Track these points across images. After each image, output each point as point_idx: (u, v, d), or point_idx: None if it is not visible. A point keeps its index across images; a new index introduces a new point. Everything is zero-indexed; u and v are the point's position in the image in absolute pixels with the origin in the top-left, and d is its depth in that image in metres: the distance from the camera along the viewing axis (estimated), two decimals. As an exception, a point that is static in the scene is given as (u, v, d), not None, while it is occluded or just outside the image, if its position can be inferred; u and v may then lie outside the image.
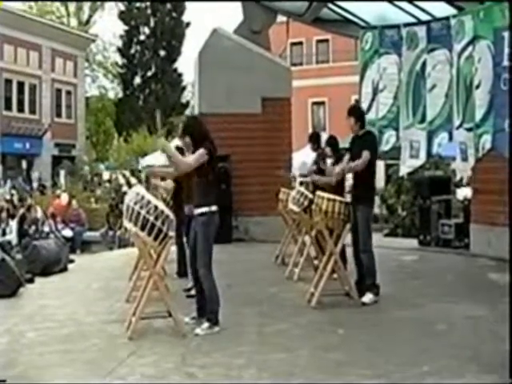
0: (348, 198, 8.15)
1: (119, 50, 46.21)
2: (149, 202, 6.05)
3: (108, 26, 52.88)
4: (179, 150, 9.83)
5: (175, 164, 6.47)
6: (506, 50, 9.67)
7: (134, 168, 28.38)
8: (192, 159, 6.34)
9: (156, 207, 6.05)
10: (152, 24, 44.89)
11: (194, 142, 6.51)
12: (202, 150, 6.33)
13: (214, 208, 6.43)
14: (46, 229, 18.36)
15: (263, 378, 5.08)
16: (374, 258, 7.70)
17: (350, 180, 8.55)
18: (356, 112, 8.05)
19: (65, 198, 22.59)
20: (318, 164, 10.05)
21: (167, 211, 6.15)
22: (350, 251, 8.19)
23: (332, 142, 9.57)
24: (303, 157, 22.66)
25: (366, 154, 7.62)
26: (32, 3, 49.07)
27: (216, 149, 6.53)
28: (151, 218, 6.00)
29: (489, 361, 5.32)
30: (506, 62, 9.71)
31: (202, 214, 6.41)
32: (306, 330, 6.56)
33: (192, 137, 6.54)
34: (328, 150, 9.58)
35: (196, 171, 6.42)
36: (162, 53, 45.04)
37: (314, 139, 10.50)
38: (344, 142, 9.17)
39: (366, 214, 7.74)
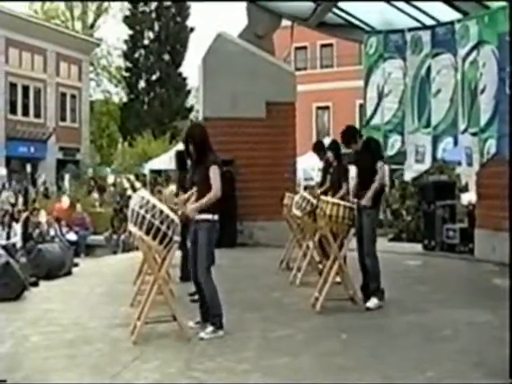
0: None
1: (124, 54, 46.32)
2: (154, 207, 6.04)
3: (112, 31, 53.11)
4: (181, 154, 9.84)
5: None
6: (511, 55, 9.66)
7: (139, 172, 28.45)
8: (215, 185, 6.39)
9: (161, 211, 6.05)
10: (156, 28, 44.96)
11: (197, 150, 6.58)
12: (216, 169, 6.43)
13: (216, 217, 6.49)
14: (52, 232, 18.42)
15: (267, 384, 5.07)
16: (378, 262, 7.69)
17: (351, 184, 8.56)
18: (348, 136, 7.96)
19: (65, 200, 22.62)
20: (325, 173, 10.03)
21: (172, 215, 6.14)
22: (353, 255, 8.16)
23: (333, 146, 9.53)
24: (307, 162, 22.72)
25: (380, 165, 7.71)
26: (37, 8, 49.29)
27: (218, 158, 6.65)
28: (156, 223, 5.99)
29: (493, 367, 5.30)
30: (510, 67, 9.70)
31: (205, 221, 6.43)
32: (309, 335, 6.55)
33: (195, 144, 6.58)
34: (330, 155, 9.56)
35: (201, 181, 6.46)
36: (167, 57, 45.09)
37: (319, 148, 10.46)
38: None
39: (371, 218, 7.73)
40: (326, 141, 10.81)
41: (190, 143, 6.62)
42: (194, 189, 6.67)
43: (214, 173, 6.42)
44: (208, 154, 6.54)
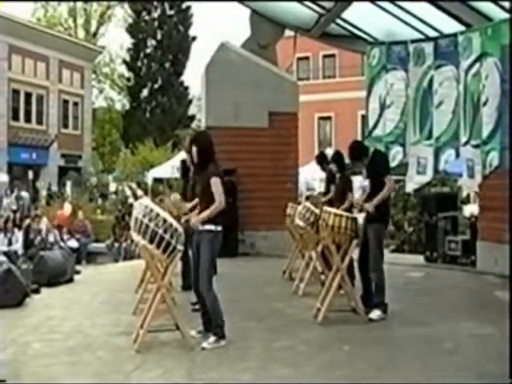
0: (355, 214, 8.13)
1: (126, 63, 46.40)
2: (158, 215, 6.06)
3: (115, 38, 53.08)
4: (184, 164, 9.85)
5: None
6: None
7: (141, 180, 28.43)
8: (218, 197, 6.37)
9: (165, 220, 6.06)
10: (159, 37, 45.06)
11: (200, 156, 6.59)
12: (217, 181, 6.41)
13: (219, 228, 6.47)
14: (51, 239, 18.41)
15: (269, 394, 5.07)
16: (384, 277, 7.68)
17: (356, 195, 8.55)
18: (357, 154, 7.97)
19: (67, 208, 22.62)
20: (329, 183, 10.04)
21: (176, 224, 6.15)
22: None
23: (336, 157, 9.54)
24: (310, 172, 22.75)
25: (388, 179, 7.72)
26: (40, 15, 49.44)
27: (219, 168, 6.66)
28: (160, 231, 6.01)
29: (495, 380, 5.29)
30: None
31: (208, 231, 6.43)
32: (312, 346, 6.55)
33: (199, 150, 6.60)
34: (333, 166, 9.57)
35: (202, 192, 6.49)
36: (168, 66, 45.17)
37: (321, 160, 10.50)
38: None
39: (377, 232, 7.72)
40: (329, 151, 10.82)
41: (193, 147, 6.65)
42: (196, 200, 6.71)
43: (216, 184, 6.40)
44: (209, 163, 6.55)
